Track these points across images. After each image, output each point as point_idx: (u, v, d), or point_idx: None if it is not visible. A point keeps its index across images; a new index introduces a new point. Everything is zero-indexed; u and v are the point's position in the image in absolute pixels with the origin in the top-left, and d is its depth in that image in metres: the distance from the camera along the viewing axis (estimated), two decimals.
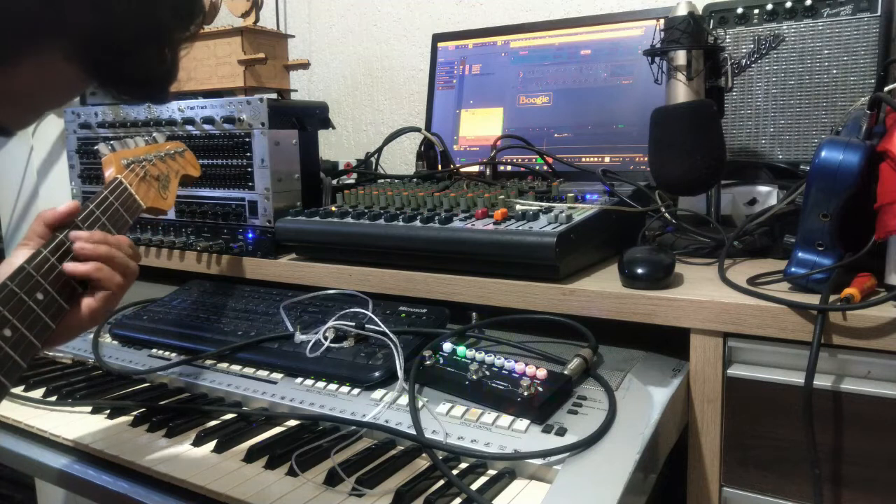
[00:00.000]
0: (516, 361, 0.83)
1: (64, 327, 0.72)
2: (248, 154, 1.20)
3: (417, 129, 1.44)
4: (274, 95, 1.32)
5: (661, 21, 1.02)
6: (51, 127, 1.73)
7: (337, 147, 1.95)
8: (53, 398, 0.96)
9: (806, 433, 0.74)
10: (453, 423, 0.78)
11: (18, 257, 0.70)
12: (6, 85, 0.54)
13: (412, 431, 0.77)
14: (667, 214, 1.07)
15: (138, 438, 0.84)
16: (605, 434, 0.72)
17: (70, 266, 0.70)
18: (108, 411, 0.91)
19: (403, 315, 1.01)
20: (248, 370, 0.98)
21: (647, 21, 1.29)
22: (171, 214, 1.32)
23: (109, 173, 0.90)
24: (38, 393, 0.98)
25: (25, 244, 0.76)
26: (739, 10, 1.17)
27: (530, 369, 0.81)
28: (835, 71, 1.10)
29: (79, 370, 1.07)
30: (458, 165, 1.41)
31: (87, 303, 0.74)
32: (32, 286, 0.65)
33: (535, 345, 0.93)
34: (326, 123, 1.31)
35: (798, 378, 0.76)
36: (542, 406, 0.76)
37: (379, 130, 1.88)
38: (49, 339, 0.70)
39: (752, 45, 1.15)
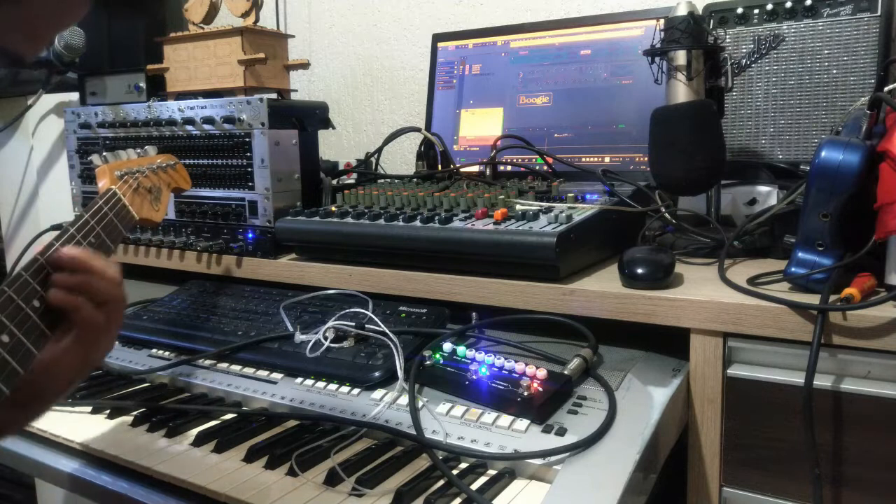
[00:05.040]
0: (516, 361, 0.83)
1: (40, 383, 0.65)
2: (248, 154, 1.20)
3: (417, 129, 1.44)
4: (274, 95, 1.32)
5: (661, 21, 1.02)
6: (51, 127, 1.73)
7: (337, 147, 1.95)
8: None
9: (806, 433, 0.74)
10: (453, 423, 0.78)
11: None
12: (24, 15, 0.54)
13: (412, 431, 0.77)
14: (667, 214, 1.07)
15: (138, 438, 0.84)
16: (605, 434, 0.72)
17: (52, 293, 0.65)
18: (108, 411, 0.91)
19: (403, 315, 1.01)
20: (248, 370, 0.97)
21: (647, 21, 1.29)
22: (172, 214, 1.32)
23: (103, 184, 0.91)
24: None
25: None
26: (739, 10, 1.17)
27: (530, 369, 0.81)
28: (835, 71, 1.10)
29: None
30: (458, 165, 1.41)
31: (67, 341, 0.66)
32: (29, 293, 0.65)
33: (535, 345, 0.93)
34: (326, 123, 1.31)
35: (798, 378, 0.76)
36: (542, 406, 0.76)
37: (379, 130, 1.88)
38: (33, 397, 0.65)
39: (752, 45, 1.15)
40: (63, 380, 0.67)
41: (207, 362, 1.01)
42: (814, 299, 0.76)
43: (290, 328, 1.01)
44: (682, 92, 0.99)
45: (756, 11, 1.16)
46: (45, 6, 0.55)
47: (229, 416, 0.89)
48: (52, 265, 0.66)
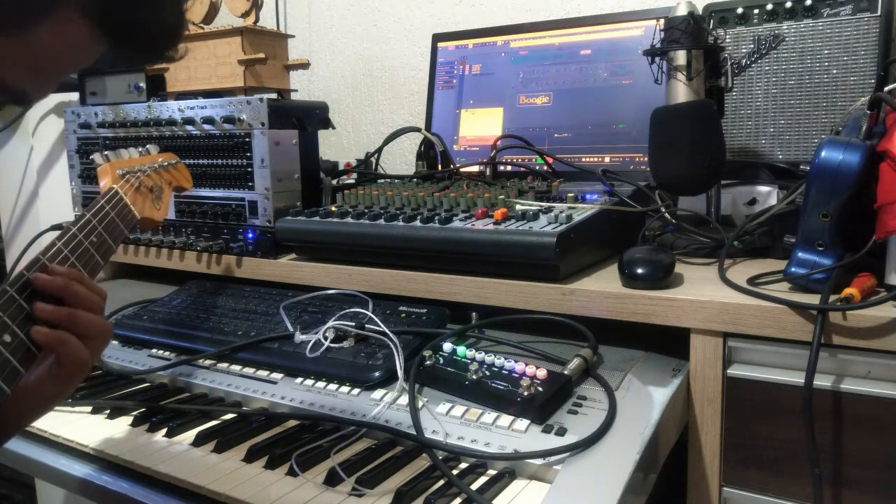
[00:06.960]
0: (516, 361, 0.83)
1: (15, 407, 0.65)
2: (248, 154, 1.20)
3: (417, 129, 1.44)
4: (274, 95, 1.32)
5: (661, 21, 1.02)
6: (51, 127, 1.73)
7: (337, 147, 1.95)
8: None
9: (806, 433, 0.74)
10: (453, 423, 0.78)
11: None
12: (26, 49, 0.53)
13: (412, 431, 0.77)
14: (667, 214, 1.07)
15: (138, 438, 0.84)
16: (605, 434, 0.72)
17: (35, 330, 0.63)
18: (108, 411, 0.91)
19: (403, 315, 1.01)
20: (248, 370, 0.97)
21: (647, 21, 1.29)
22: (172, 214, 1.32)
23: (105, 183, 0.91)
24: None
25: None
26: (739, 10, 1.17)
27: (530, 369, 0.81)
28: (835, 71, 1.10)
29: None
30: (458, 165, 1.41)
31: (48, 372, 0.66)
32: (31, 294, 0.65)
33: (535, 345, 0.93)
34: (326, 123, 1.31)
35: (798, 378, 0.75)
36: (542, 406, 0.76)
37: (379, 130, 1.88)
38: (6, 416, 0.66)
39: (752, 45, 1.15)
40: (39, 406, 0.68)
41: (207, 362, 1.01)
42: (814, 299, 0.76)
43: (290, 328, 1.01)
44: (682, 92, 0.99)
45: (756, 11, 1.16)
46: (50, 48, 0.54)
47: (229, 416, 0.89)
48: (37, 289, 0.65)
